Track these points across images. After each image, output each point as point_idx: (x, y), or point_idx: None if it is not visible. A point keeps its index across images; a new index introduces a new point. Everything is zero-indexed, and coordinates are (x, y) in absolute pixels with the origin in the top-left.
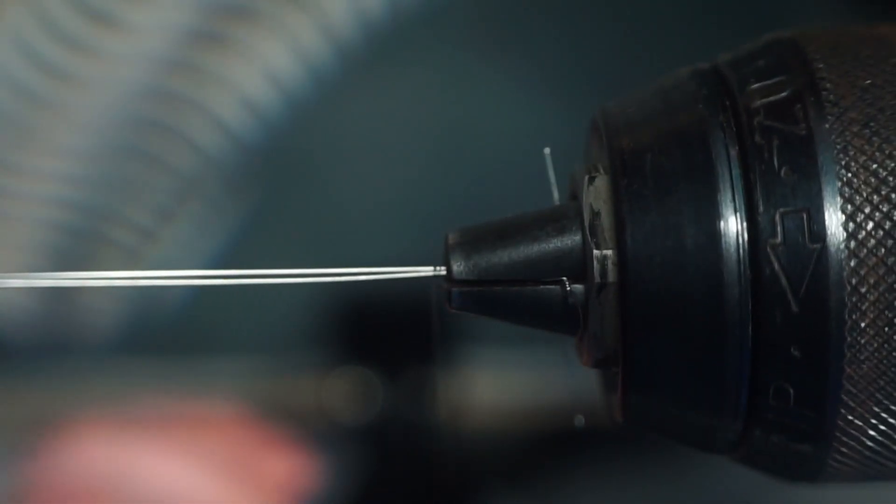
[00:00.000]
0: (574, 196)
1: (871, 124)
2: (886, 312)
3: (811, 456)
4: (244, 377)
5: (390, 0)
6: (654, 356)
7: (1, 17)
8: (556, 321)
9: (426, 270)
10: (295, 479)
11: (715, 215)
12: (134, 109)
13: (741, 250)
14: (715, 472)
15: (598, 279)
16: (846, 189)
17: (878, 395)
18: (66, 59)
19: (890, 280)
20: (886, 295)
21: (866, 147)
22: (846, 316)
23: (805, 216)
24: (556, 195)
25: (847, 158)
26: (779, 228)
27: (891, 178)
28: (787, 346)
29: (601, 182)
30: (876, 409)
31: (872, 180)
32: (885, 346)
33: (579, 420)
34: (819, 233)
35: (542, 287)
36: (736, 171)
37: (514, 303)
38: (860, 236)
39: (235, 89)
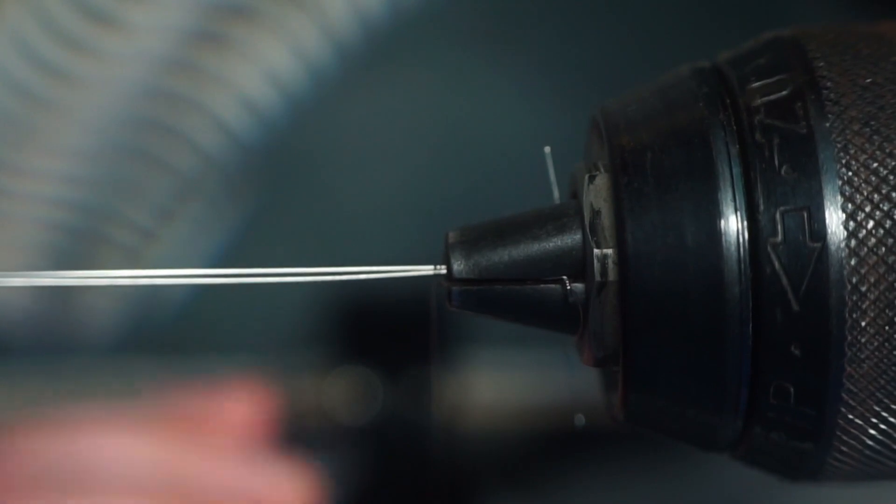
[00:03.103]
0: (574, 195)
1: (872, 122)
2: (887, 311)
3: (811, 454)
4: (244, 377)
5: (390, 0)
6: (654, 355)
7: (1, 17)
8: (557, 320)
9: (426, 269)
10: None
11: (715, 214)
12: (134, 109)
13: (742, 249)
14: (715, 472)
15: (598, 278)
16: (847, 187)
17: (878, 394)
18: (66, 59)
19: (890, 278)
20: (887, 293)
21: (867, 145)
22: (847, 314)
23: (805, 215)
24: (556, 194)
25: (847, 157)
26: (779, 227)
27: (891, 177)
28: (787, 344)
29: (601, 180)
30: (876, 408)
31: (873, 178)
32: (886, 344)
33: (579, 419)
34: (819, 231)
35: (542, 286)
36: (736, 170)
37: (514, 301)
38: (861, 235)
39: (235, 89)
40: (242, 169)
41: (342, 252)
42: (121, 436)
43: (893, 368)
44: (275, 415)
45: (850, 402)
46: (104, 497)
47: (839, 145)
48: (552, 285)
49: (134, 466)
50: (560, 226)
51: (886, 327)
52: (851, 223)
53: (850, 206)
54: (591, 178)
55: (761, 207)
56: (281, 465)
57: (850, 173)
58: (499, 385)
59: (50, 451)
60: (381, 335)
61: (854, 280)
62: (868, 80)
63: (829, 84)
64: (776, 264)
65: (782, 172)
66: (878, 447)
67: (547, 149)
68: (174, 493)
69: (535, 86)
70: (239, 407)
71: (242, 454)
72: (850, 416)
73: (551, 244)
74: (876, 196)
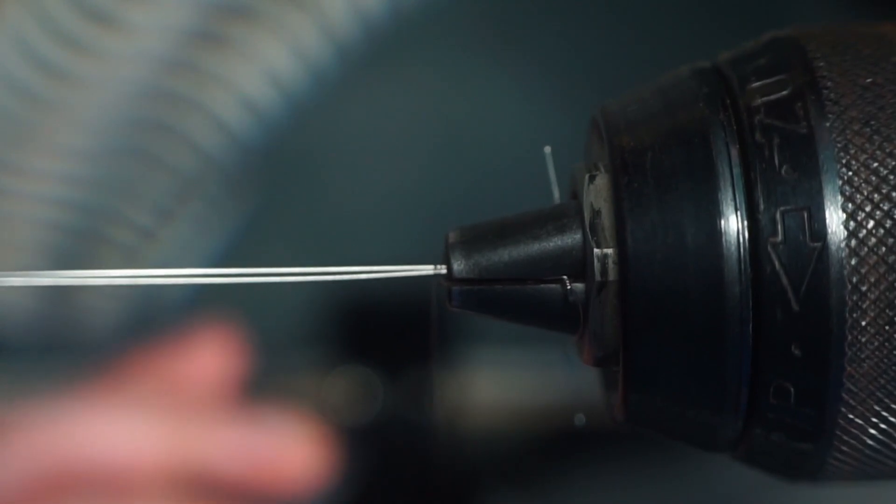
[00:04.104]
0: (574, 195)
1: (872, 122)
2: (887, 311)
3: (811, 454)
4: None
5: (390, 0)
6: (654, 354)
7: (1, 17)
8: (557, 320)
9: (426, 269)
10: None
11: (715, 214)
12: (134, 109)
13: (742, 249)
14: (715, 472)
15: (598, 277)
16: (847, 187)
17: (878, 394)
18: (66, 59)
19: (891, 278)
20: (887, 293)
21: (867, 145)
22: (847, 314)
23: (806, 214)
24: (556, 194)
25: (848, 157)
26: (779, 227)
27: (891, 177)
28: (787, 344)
29: (602, 180)
30: (877, 408)
31: (873, 178)
32: (886, 344)
33: (580, 419)
34: (820, 231)
35: (542, 286)
36: (736, 170)
37: (514, 301)
38: (861, 234)
39: (235, 89)
40: (242, 169)
41: (342, 252)
42: (116, 419)
43: (894, 368)
44: (247, 358)
45: (851, 401)
46: (117, 491)
47: (839, 145)
48: (552, 285)
49: (137, 450)
50: (560, 226)
51: (887, 327)
52: (852, 223)
53: (850, 205)
54: (592, 178)
55: (761, 207)
56: (283, 425)
57: (850, 173)
58: (499, 385)
59: (51, 446)
60: (381, 335)
61: (854, 280)
62: (868, 81)
63: (829, 84)
64: (776, 264)
65: (782, 172)
66: (878, 447)
67: (547, 149)
68: (183, 473)
69: (535, 86)
70: (212, 358)
71: (241, 415)
72: (851, 416)
73: (551, 244)
74: (876, 196)
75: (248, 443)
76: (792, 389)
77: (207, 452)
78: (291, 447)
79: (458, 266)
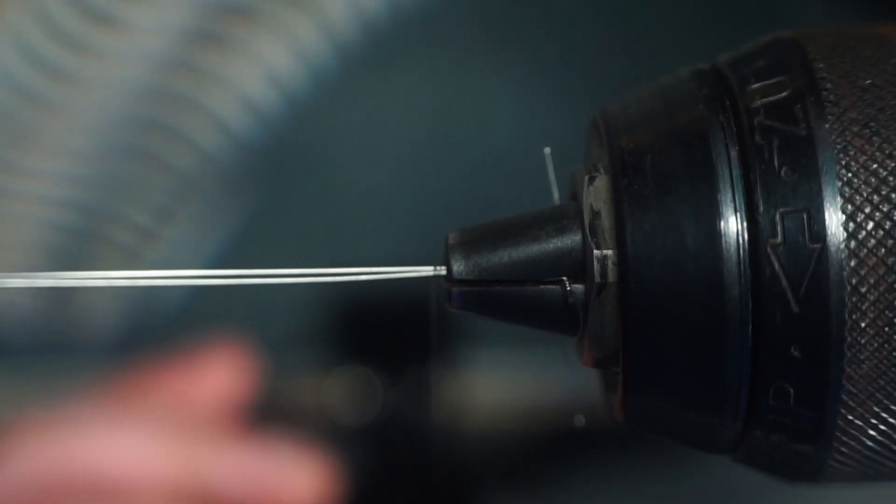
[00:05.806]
0: (574, 196)
1: (872, 124)
2: (887, 312)
3: (811, 456)
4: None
5: (390, 0)
6: (654, 356)
7: (1, 17)
8: (557, 321)
9: (426, 270)
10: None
11: (715, 215)
12: (134, 109)
13: (741, 250)
14: (715, 473)
15: (598, 279)
16: (846, 189)
17: (878, 395)
18: (66, 59)
19: (890, 280)
20: (887, 295)
21: (866, 147)
22: (846, 316)
23: (805, 216)
24: (556, 195)
25: (847, 158)
26: (779, 228)
27: (891, 178)
28: (787, 346)
29: (601, 182)
30: (876, 409)
31: (873, 180)
32: (886, 345)
33: (579, 420)
34: (819, 233)
35: (542, 287)
36: (736, 171)
37: (514, 303)
38: (860, 236)
39: (235, 89)
40: (242, 169)
41: (342, 252)
42: (121, 433)
43: (893, 369)
44: (257, 377)
45: (850, 403)
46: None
47: (839, 147)
48: (552, 286)
49: (140, 465)
50: (560, 227)
51: (886, 329)
52: (851, 224)
53: (849, 207)
54: (591, 180)
55: (761, 209)
56: (289, 452)
57: (849, 175)
58: (499, 385)
59: (54, 455)
60: (381, 335)
61: (854, 281)
62: (868, 82)
63: (828, 86)
64: (776, 265)
65: (782, 174)
66: (877, 448)
67: (547, 150)
68: (186, 490)
69: (534, 87)
70: (222, 376)
71: (248, 435)
72: (850, 418)
73: (551, 245)
74: (875, 197)
75: (252, 464)
76: (791, 391)
77: (212, 471)
78: (296, 470)
79: (458, 267)
